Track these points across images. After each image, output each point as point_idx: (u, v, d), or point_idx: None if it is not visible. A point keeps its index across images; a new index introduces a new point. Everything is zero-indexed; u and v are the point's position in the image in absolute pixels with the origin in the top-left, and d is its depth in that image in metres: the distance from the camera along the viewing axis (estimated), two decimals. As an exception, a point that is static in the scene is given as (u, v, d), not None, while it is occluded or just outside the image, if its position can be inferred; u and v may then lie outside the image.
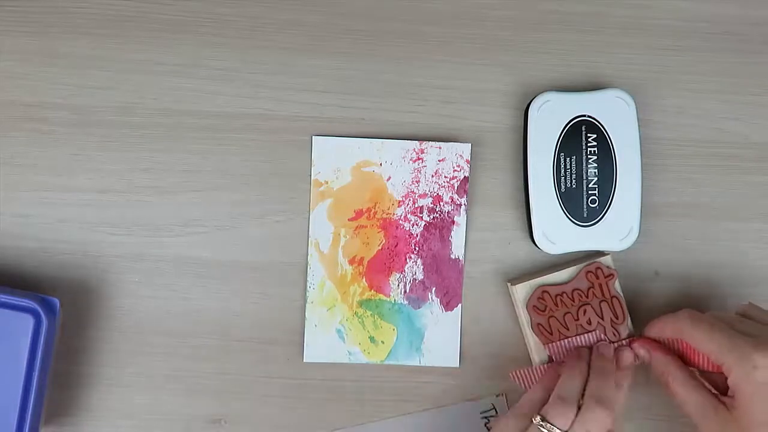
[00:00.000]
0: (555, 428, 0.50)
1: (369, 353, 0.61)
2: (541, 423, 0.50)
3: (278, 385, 0.62)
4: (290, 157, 0.61)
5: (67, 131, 0.61)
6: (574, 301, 0.59)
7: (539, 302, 0.59)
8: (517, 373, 0.59)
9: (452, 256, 0.62)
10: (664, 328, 0.56)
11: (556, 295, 0.59)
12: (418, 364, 0.61)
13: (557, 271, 0.60)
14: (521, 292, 0.60)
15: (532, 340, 0.59)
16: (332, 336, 0.61)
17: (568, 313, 0.59)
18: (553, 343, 0.59)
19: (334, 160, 0.61)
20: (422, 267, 0.61)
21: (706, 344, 0.52)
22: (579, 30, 0.63)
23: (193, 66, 0.61)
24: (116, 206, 0.59)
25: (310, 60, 0.62)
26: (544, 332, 0.59)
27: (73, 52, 0.61)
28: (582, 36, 0.63)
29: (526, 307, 0.59)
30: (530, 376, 0.58)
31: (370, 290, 0.62)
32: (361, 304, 0.62)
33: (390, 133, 0.62)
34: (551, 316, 0.59)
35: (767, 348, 0.49)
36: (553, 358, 0.59)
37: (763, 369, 0.48)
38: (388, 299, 0.61)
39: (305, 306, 0.61)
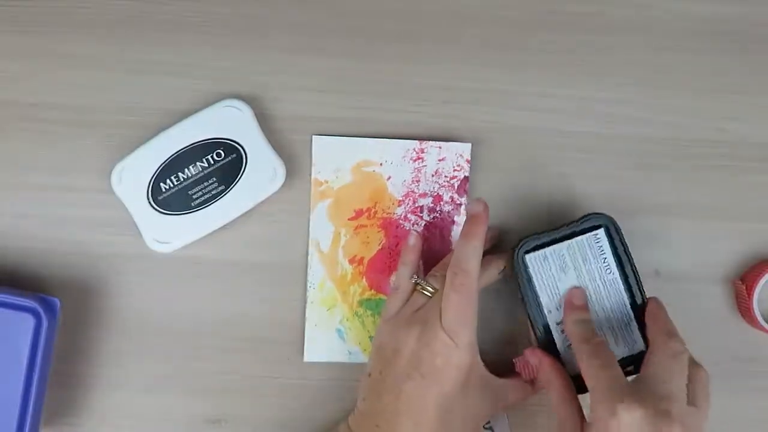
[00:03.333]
0: (427, 286, 0.57)
1: (369, 353, 0.61)
2: (417, 281, 0.58)
3: (278, 385, 0.62)
4: (290, 157, 0.61)
5: (67, 131, 0.61)
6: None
7: None
8: (521, 360, 0.58)
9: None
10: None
11: None
12: (418, 364, 0.61)
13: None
14: None
15: None
16: (332, 336, 0.61)
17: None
18: None
19: (334, 159, 0.61)
20: (422, 266, 0.61)
21: (589, 373, 0.52)
22: (579, 30, 0.63)
23: (193, 66, 0.61)
24: (116, 206, 0.59)
25: (310, 60, 0.62)
26: None
27: (73, 52, 0.61)
28: (582, 36, 0.63)
29: None
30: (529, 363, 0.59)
31: (370, 290, 0.62)
32: (361, 303, 0.61)
33: (390, 132, 0.62)
34: None
35: (633, 404, 0.48)
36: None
37: (618, 419, 0.48)
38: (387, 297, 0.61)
39: (305, 306, 0.61)
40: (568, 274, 0.57)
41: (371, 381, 0.56)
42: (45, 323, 0.56)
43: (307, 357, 0.61)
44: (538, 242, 0.57)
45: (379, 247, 0.62)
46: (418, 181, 0.61)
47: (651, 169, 0.63)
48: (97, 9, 0.61)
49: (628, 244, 0.57)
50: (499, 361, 0.60)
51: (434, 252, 0.61)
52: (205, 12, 0.61)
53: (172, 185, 0.59)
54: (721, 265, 0.63)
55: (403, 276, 0.59)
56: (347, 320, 0.61)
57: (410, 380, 0.54)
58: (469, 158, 0.61)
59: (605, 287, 0.57)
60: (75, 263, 0.61)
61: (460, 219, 0.62)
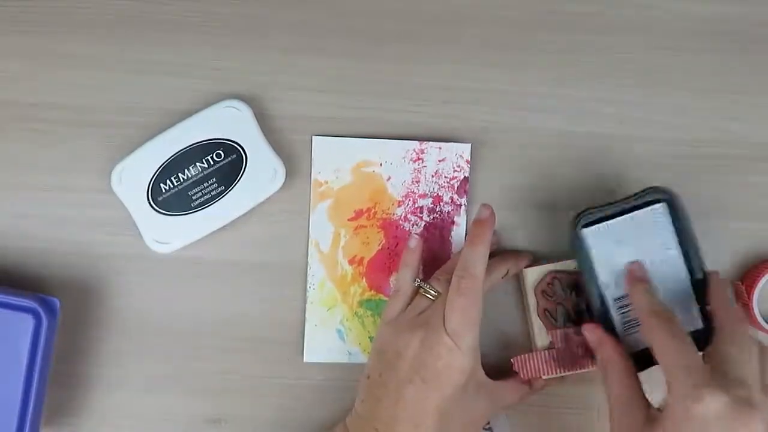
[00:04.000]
0: (430, 290, 0.57)
1: (368, 354, 0.61)
2: (420, 284, 0.58)
3: (278, 385, 0.62)
4: (290, 157, 0.61)
5: (67, 131, 0.61)
6: (583, 291, 0.59)
7: (548, 288, 0.59)
8: (519, 359, 0.59)
9: (453, 257, 0.61)
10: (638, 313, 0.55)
11: (567, 284, 0.59)
12: (418, 364, 0.61)
13: (571, 259, 0.60)
14: (532, 275, 0.60)
15: (536, 325, 0.59)
16: (332, 336, 0.61)
17: (576, 303, 0.59)
18: (557, 330, 0.59)
19: (334, 160, 0.61)
20: (422, 267, 0.61)
21: (665, 351, 0.50)
22: (579, 30, 0.63)
23: (193, 66, 0.61)
24: (116, 206, 0.59)
25: (310, 60, 0.62)
26: (550, 318, 0.59)
27: (73, 52, 0.61)
28: (582, 36, 0.63)
29: (534, 292, 0.59)
30: (531, 362, 0.58)
31: (370, 290, 0.62)
32: (361, 304, 0.62)
33: (390, 133, 0.62)
34: (559, 304, 0.59)
35: (717, 389, 0.47)
36: (556, 344, 0.59)
37: (704, 404, 0.47)
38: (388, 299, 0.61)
39: (305, 306, 0.61)
40: (626, 249, 0.56)
41: (370, 383, 0.56)
42: (45, 323, 0.56)
43: (307, 357, 0.61)
44: (597, 216, 0.56)
45: (379, 248, 0.62)
46: (418, 182, 0.61)
47: (651, 169, 0.63)
48: (97, 9, 0.61)
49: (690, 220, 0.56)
50: (497, 362, 0.60)
51: (434, 252, 0.61)
52: (205, 12, 0.61)
53: (172, 186, 0.59)
54: (721, 265, 0.63)
55: (404, 278, 0.59)
56: (347, 320, 0.61)
57: (411, 384, 0.54)
58: (469, 159, 0.61)
59: (664, 262, 0.56)
60: (75, 263, 0.61)
61: (460, 220, 0.62)
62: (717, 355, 0.51)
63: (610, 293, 0.56)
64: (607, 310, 0.56)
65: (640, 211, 0.56)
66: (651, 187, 0.56)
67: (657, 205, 0.56)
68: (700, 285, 0.56)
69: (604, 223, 0.56)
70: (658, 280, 0.56)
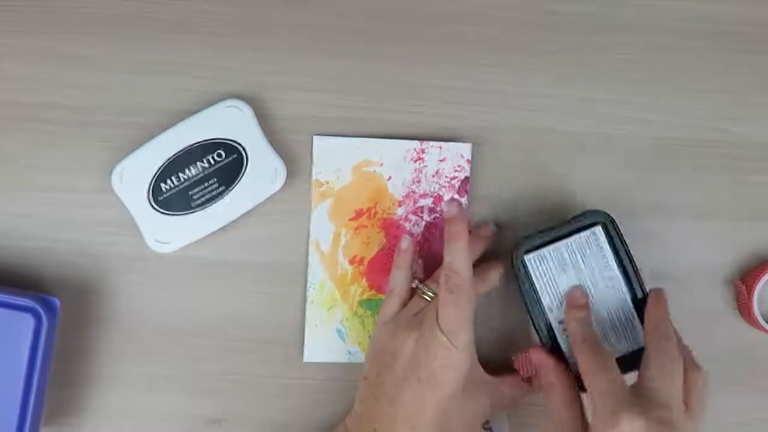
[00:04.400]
0: (428, 291, 0.57)
1: (366, 355, 0.61)
2: (419, 285, 0.58)
3: (278, 385, 0.62)
4: (290, 156, 0.61)
5: (67, 131, 0.61)
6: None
7: None
8: (520, 358, 0.59)
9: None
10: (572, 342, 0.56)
11: None
12: (419, 364, 0.61)
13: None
14: None
15: None
16: (332, 336, 0.61)
17: None
18: None
19: (335, 160, 0.61)
20: (423, 267, 0.61)
21: (590, 377, 0.52)
22: (579, 30, 0.63)
23: (193, 66, 0.61)
24: (116, 206, 0.59)
25: (310, 60, 0.62)
26: None
27: (73, 52, 0.61)
28: (582, 36, 0.63)
29: None
30: (532, 362, 0.58)
31: (371, 290, 0.62)
32: (361, 304, 0.61)
33: (390, 133, 0.62)
34: None
35: (634, 414, 0.48)
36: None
37: (619, 429, 0.48)
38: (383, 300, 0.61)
39: (305, 306, 0.61)
40: (567, 273, 0.57)
41: (368, 384, 0.56)
42: (45, 323, 0.56)
43: (307, 357, 0.61)
44: (536, 242, 0.57)
45: (380, 248, 0.62)
46: (418, 182, 0.61)
47: (651, 169, 0.63)
48: (97, 9, 0.61)
49: (627, 242, 0.57)
50: (497, 360, 0.61)
51: (435, 253, 0.61)
52: (205, 12, 0.61)
53: (172, 185, 0.59)
54: (721, 265, 0.63)
55: (397, 279, 0.59)
56: (347, 320, 0.61)
57: (408, 384, 0.54)
58: (470, 158, 0.61)
59: (605, 284, 0.57)
60: (75, 263, 0.61)
61: (461, 219, 0.62)
62: (642, 377, 0.52)
63: (554, 316, 0.57)
64: (553, 333, 0.57)
65: (578, 234, 0.57)
66: (588, 211, 0.58)
67: (594, 228, 0.57)
68: (642, 303, 0.57)
69: (545, 248, 0.57)
70: (602, 302, 0.57)
